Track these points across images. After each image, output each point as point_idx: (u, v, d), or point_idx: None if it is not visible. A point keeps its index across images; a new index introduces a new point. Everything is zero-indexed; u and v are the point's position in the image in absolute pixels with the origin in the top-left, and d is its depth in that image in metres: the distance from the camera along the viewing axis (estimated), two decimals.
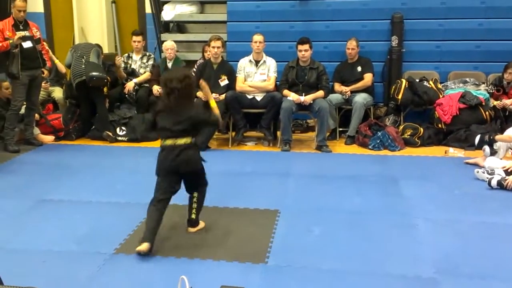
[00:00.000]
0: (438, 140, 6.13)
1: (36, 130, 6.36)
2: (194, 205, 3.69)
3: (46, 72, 6.24)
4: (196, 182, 3.68)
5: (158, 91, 6.65)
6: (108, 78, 6.55)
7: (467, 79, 6.55)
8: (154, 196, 3.54)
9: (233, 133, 6.38)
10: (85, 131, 6.70)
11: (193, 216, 3.70)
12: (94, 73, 6.26)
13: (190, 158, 3.51)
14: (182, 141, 3.46)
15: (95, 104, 6.61)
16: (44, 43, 6.33)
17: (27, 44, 5.78)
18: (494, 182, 4.54)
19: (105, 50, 7.62)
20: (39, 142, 6.26)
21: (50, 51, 6.80)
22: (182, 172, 3.54)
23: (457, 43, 6.65)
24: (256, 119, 6.33)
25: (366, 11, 6.82)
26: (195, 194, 3.68)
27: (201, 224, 3.77)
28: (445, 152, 5.78)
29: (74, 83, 6.37)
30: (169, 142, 3.47)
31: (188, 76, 3.51)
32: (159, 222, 3.46)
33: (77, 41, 7.88)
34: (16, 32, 5.75)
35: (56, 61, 6.93)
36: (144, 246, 3.28)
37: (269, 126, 6.28)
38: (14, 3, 5.81)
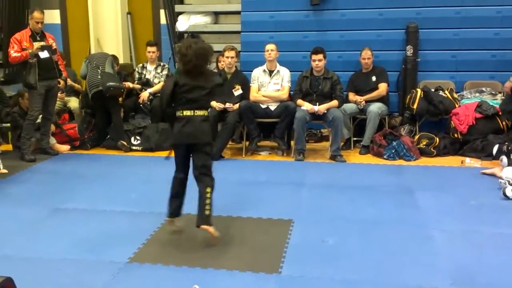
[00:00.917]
0: (454, 150, 6.06)
1: (52, 140, 6.43)
2: (208, 201, 3.62)
3: (62, 82, 6.32)
4: (205, 162, 3.70)
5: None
6: (125, 87, 6.62)
7: (483, 89, 6.49)
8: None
9: (247, 143, 6.37)
10: (100, 141, 6.76)
11: (207, 212, 3.61)
12: (111, 83, 6.33)
13: (207, 130, 3.70)
14: (201, 112, 3.64)
15: (110, 114, 6.66)
16: (59, 56, 6.41)
17: (44, 55, 5.87)
18: (509, 192, 4.48)
19: (121, 61, 7.70)
20: (55, 152, 6.32)
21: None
22: (195, 143, 3.64)
23: (472, 52, 6.59)
24: (270, 129, 6.33)
25: (380, 21, 6.81)
26: (208, 190, 3.65)
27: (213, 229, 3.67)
28: (462, 162, 5.71)
29: (91, 93, 6.44)
30: (187, 113, 3.60)
31: (204, 47, 3.65)
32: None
33: (93, 52, 7.97)
34: (34, 43, 5.85)
35: (69, 82, 7.03)
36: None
37: (282, 135, 6.27)
38: (32, 15, 5.92)
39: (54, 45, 6.08)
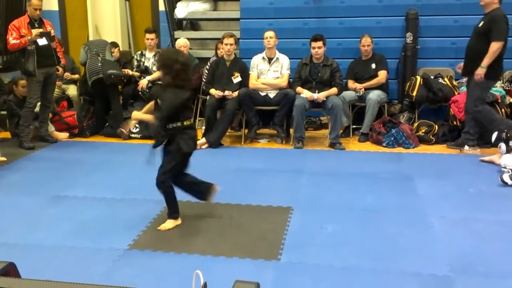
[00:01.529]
0: (453, 138, 6.06)
1: (51, 127, 6.42)
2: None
3: (60, 69, 6.29)
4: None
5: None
6: (125, 75, 6.60)
7: None
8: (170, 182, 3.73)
9: (246, 130, 6.38)
10: (99, 128, 6.75)
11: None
12: (112, 71, 6.33)
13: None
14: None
15: (109, 102, 6.65)
16: (58, 43, 6.37)
17: (43, 42, 5.83)
18: (507, 178, 4.48)
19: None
20: (53, 139, 6.32)
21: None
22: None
23: None
24: (269, 116, 6.32)
25: (380, 8, 6.77)
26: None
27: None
28: (460, 150, 5.72)
29: (90, 80, 6.42)
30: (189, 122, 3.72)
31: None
32: None
33: (91, 39, 7.92)
34: (32, 30, 5.81)
35: (69, 76, 7.08)
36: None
37: (282, 123, 6.27)
38: (30, 2, 5.87)
39: (52, 32, 6.04)
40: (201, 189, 3.88)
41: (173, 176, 3.72)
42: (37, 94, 5.97)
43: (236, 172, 4.95)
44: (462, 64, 5.86)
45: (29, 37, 5.72)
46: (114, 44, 7.07)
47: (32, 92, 5.97)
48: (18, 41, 5.73)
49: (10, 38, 5.76)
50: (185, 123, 3.65)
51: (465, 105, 5.71)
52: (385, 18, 6.77)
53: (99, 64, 6.38)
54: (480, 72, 5.36)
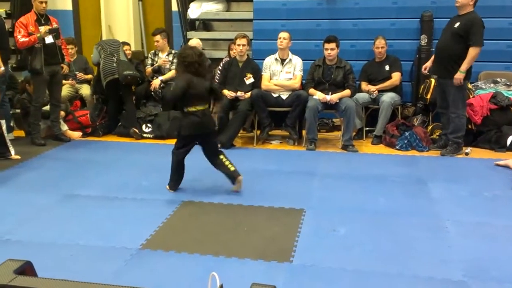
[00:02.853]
0: (467, 141, 6.00)
1: (64, 126, 6.46)
2: (227, 161, 4.39)
3: (65, 67, 6.25)
4: (215, 143, 4.54)
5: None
6: (140, 76, 6.62)
7: (498, 79, 6.41)
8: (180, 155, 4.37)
9: (258, 132, 6.36)
10: (111, 128, 6.78)
11: (232, 167, 4.37)
12: (128, 72, 6.35)
13: (213, 120, 4.55)
14: (206, 106, 4.37)
15: (122, 101, 6.67)
16: (63, 40, 6.32)
17: (49, 40, 5.81)
18: None
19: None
20: (67, 138, 6.35)
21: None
22: (208, 132, 4.34)
23: (488, 42, 6.43)
24: (281, 118, 6.31)
25: (394, 9, 6.73)
26: (222, 155, 4.42)
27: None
28: (466, 154, 5.65)
29: (106, 81, 6.44)
30: (201, 107, 4.24)
31: (201, 52, 4.36)
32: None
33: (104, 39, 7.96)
34: (39, 27, 5.77)
35: (82, 76, 7.13)
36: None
37: (294, 125, 6.25)
38: None
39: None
40: (229, 173, 4.40)
41: (180, 151, 4.36)
42: (43, 92, 6.00)
43: (248, 174, 4.93)
44: (429, 63, 5.88)
45: (38, 35, 5.71)
46: (125, 43, 7.10)
47: (39, 91, 5.99)
48: (27, 39, 5.69)
49: (19, 36, 5.71)
50: (188, 109, 4.21)
51: (451, 108, 5.62)
52: (399, 20, 6.73)
53: (115, 65, 6.41)
54: (459, 76, 5.40)
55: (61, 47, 6.12)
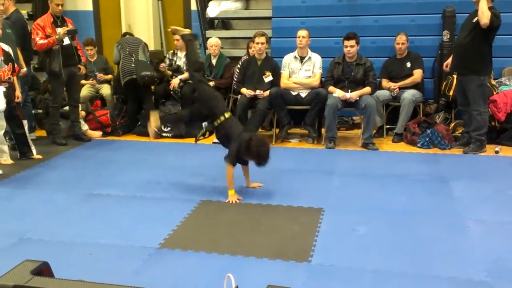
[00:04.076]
0: (491, 139, 5.87)
1: (85, 126, 6.52)
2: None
3: (82, 68, 6.29)
4: None
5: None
6: (158, 77, 6.64)
7: None
8: None
9: (277, 130, 6.33)
10: (131, 127, 6.82)
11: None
12: (145, 73, 6.38)
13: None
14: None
15: (141, 101, 6.71)
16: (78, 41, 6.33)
17: (66, 41, 5.86)
18: None
19: (151, 47, 7.73)
20: (88, 138, 6.42)
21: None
22: None
23: (510, 37, 6.35)
24: (301, 116, 6.26)
25: (416, 5, 6.62)
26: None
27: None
28: (496, 152, 5.53)
29: (124, 81, 6.49)
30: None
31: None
32: None
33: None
34: (56, 29, 5.82)
35: (102, 76, 7.14)
36: None
37: (313, 123, 6.20)
38: None
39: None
40: None
41: None
42: (61, 93, 6.08)
43: (266, 172, 4.90)
44: (449, 60, 5.79)
45: (57, 36, 5.76)
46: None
47: (57, 92, 6.07)
48: (46, 41, 5.74)
49: (37, 38, 5.76)
50: None
51: (472, 105, 5.52)
52: (420, 16, 6.62)
53: (133, 65, 6.45)
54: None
55: (77, 48, 6.17)
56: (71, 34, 5.89)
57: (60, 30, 5.81)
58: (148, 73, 6.42)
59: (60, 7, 5.90)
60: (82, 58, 6.30)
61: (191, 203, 4.16)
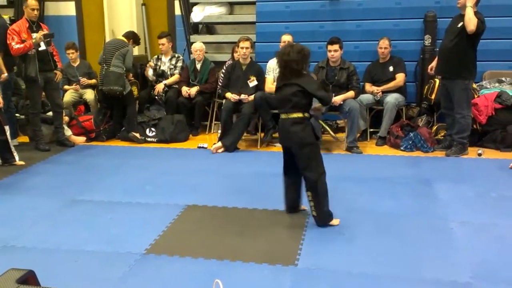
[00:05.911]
0: (472, 141, 5.96)
1: (68, 131, 6.47)
2: (311, 203, 3.76)
3: (58, 73, 6.16)
4: (303, 163, 3.73)
5: (187, 92, 6.71)
6: (121, 91, 6.45)
7: (503, 79, 6.37)
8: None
9: (262, 134, 6.35)
10: (115, 132, 6.78)
11: (314, 213, 3.76)
12: (106, 88, 6.37)
13: (295, 132, 3.71)
14: (293, 115, 3.72)
15: (125, 106, 6.67)
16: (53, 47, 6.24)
17: (42, 46, 5.79)
18: None
19: (135, 52, 7.69)
20: (71, 143, 6.35)
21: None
22: (288, 146, 3.80)
23: (492, 42, 6.45)
24: None
25: (398, 10, 6.71)
26: (309, 193, 3.75)
27: (335, 221, 3.80)
28: (479, 155, 5.61)
29: (99, 88, 6.51)
30: (283, 116, 3.78)
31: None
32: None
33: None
34: (32, 34, 5.75)
35: (85, 81, 7.08)
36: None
37: None
38: (27, 3, 5.79)
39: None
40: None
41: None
42: (39, 99, 6.01)
43: (252, 176, 4.92)
44: (434, 63, 5.86)
45: (33, 40, 5.70)
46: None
47: (35, 98, 5.98)
48: (22, 45, 5.66)
49: (13, 43, 5.67)
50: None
51: (456, 108, 5.59)
52: (403, 21, 6.70)
53: (102, 77, 6.45)
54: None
55: (53, 54, 6.09)
56: (48, 38, 5.82)
57: (36, 35, 5.75)
58: (110, 87, 6.36)
59: (35, 12, 5.84)
60: (58, 63, 6.21)
61: (177, 208, 4.14)
